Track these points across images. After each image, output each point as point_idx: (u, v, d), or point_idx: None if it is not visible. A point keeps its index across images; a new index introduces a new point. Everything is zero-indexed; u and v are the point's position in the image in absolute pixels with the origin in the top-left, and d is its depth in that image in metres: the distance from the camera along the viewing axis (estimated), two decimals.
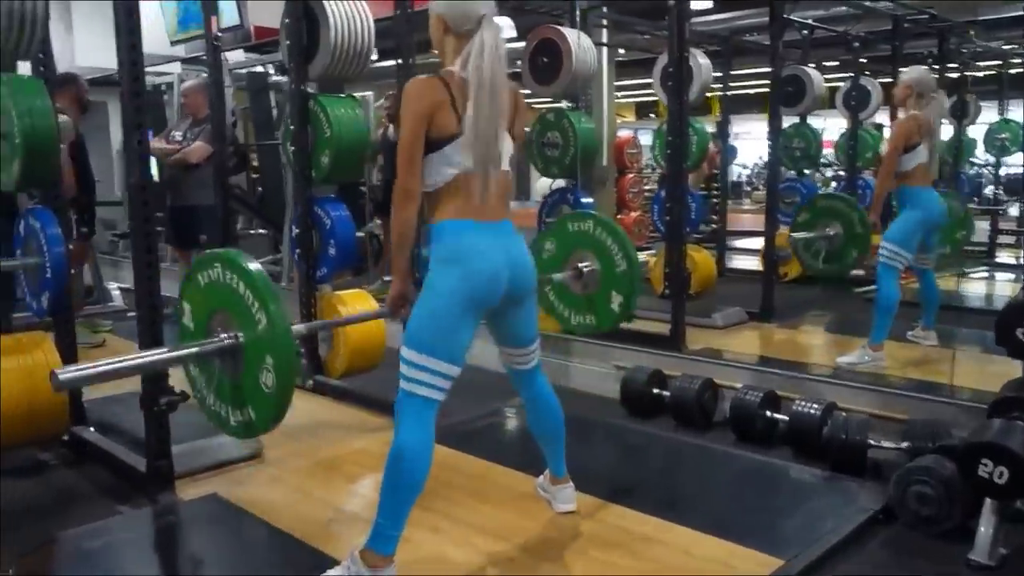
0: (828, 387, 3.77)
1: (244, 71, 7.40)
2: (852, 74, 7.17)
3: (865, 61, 7.40)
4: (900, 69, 5.56)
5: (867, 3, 6.54)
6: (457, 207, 2.20)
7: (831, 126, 9.11)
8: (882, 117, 7.73)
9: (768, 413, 3.46)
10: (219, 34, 4.51)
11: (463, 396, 3.76)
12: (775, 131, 5.50)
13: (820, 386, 3.79)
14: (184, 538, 2.74)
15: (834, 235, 4.33)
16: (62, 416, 3.15)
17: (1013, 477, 2.36)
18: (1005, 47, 8.30)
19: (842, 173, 7.98)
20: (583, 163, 5.08)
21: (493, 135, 2.16)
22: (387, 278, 3.82)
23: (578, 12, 5.13)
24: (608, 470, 3.17)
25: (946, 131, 5.54)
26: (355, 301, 3.94)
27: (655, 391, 3.80)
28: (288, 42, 3.88)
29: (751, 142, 14.44)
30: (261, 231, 8.08)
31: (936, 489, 2.61)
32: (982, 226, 8.05)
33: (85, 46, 7.40)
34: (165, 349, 1.92)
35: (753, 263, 7.06)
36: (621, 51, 9.20)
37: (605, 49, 8.53)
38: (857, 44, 6.95)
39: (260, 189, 7.56)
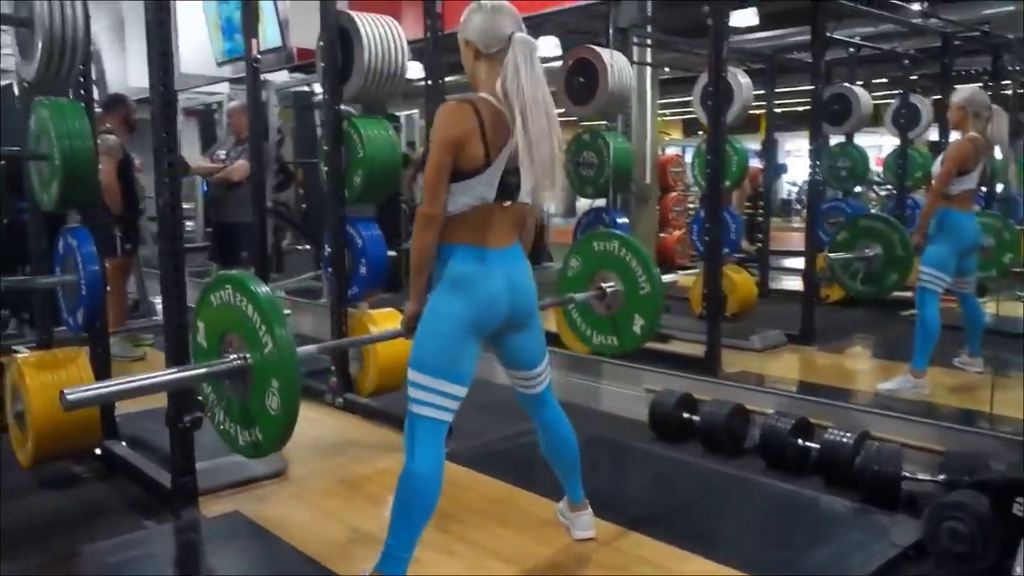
0: (865, 415, 3.66)
1: (291, 90, 7.55)
2: (901, 91, 7.02)
3: (915, 78, 7.24)
4: (954, 87, 5.41)
5: (915, 20, 6.40)
6: (471, 233, 2.20)
7: (888, 144, 8.92)
8: (933, 135, 7.55)
9: (799, 441, 3.38)
10: (258, 56, 4.59)
11: (491, 416, 3.79)
12: (816, 150, 5.41)
13: (856, 414, 3.68)
14: (203, 556, 2.77)
15: (873, 256, 4.19)
16: (94, 431, 3.22)
17: None
18: None
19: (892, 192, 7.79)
20: (618, 183, 5.06)
21: (549, 158, 2.15)
22: None
23: (615, 32, 5.12)
24: (631, 496, 3.13)
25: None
26: (385, 320, 3.96)
27: (684, 415, 3.74)
28: (323, 64, 3.94)
29: (802, 159, 14.17)
30: (308, 247, 8.21)
31: (970, 526, 2.51)
32: None
33: (137, 67, 7.64)
34: (175, 369, 1.94)
35: (798, 284, 6.92)
36: (666, 69, 9.15)
37: (648, 68, 8.51)
38: (907, 62, 6.81)
39: (304, 206, 7.69)
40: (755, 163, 8.85)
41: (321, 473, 3.36)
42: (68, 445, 3.17)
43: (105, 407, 3.36)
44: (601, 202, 5.22)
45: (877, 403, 3.93)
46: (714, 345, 4.55)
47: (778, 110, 10.89)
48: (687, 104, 7.56)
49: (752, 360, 4.99)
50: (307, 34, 5.75)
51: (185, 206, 8.93)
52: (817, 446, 3.30)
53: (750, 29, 7.48)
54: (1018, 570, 2.37)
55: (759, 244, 7.77)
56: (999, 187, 6.47)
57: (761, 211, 7.99)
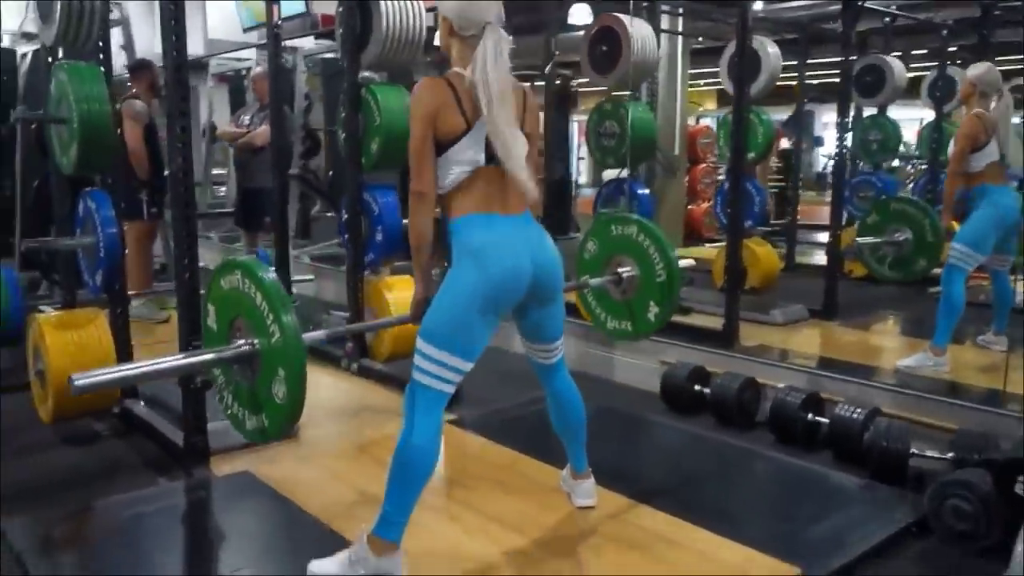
0: (879, 391, 3.64)
1: (319, 57, 7.56)
2: (938, 63, 6.84)
3: (954, 49, 7.05)
4: (994, 58, 5.26)
5: None
6: (475, 203, 2.21)
7: (927, 117, 8.73)
8: None
9: (809, 416, 3.36)
10: (279, 22, 4.60)
11: (503, 384, 3.82)
12: (843, 123, 5.30)
13: (870, 390, 3.65)
14: (210, 513, 2.84)
15: (903, 240, 4.09)
16: (112, 390, 3.29)
17: None
18: None
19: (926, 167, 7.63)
20: (640, 154, 5.01)
21: (509, 134, 2.15)
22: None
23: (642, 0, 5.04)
24: (637, 466, 3.13)
25: None
26: (401, 287, 3.99)
27: (696, 388, 3.73)
28: (341, 30, 3.94)
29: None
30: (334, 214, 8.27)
31: (973, 504, 2.49)
32: None
33: None
34: (184, 355, 1.97)
35: (825, 258, 6.84)
36: (699, 39, 9.01)
37: (679, 37, 8.38)
38: (944, 32, 6.62)
39: (331, 173, 7.72)
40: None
41: (332, 436, 3.42)
42: (87, 403, 3.24)
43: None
44: (624, 172, 5.18)
45: (893, 379, 3.89)
46: (732, 318, 4.52)
47: (814, 81, 10.71)
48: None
49: (772, 334, 4.94)
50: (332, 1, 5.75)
51: (218, 171, 9.11)
52: (827, 421, 3.28)
53: None
54: (1019, 548, 2.34)
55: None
56: None
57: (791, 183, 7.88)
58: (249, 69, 8.07)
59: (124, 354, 3.46)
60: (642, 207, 5.05)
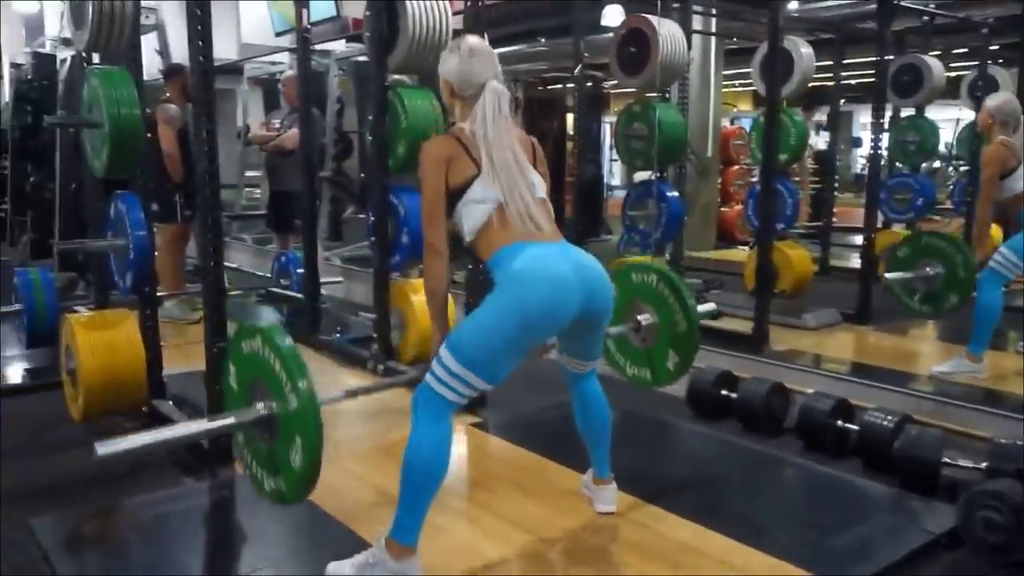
0: (911, 398, 3.57)
1: (351, 60, 7.61)
2: (979, 62, 6.69)
3: (995, 48, 6.89)
4: None
5: None
6: (506, 236, 2.19)
7: (968, 118, 8.55)
8: None
9: (839, 422, 3.29)
10: (309, 26, 4.64)
11: (529, 388, 3.80)
12: (878, 123, 5.22)
13: (902, 397, 3.59)
14: (233, 513, 2.86)
15: (934, 275, 3.99)
16: (140, 390, 3.34)
17: None
18: None
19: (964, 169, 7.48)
20: (670, 156, 4.97)
21: (515, 173, 2.20)
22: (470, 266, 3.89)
23: (673, 0, 5.00)
24: (661, 472, 3.09)
25: None
26: None
27: (723, 392, 3.68)
28: (369, 32, 3.96)
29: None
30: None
31: (1006, 516, 2.42)
32: None
33: None
34: (206, 419, 2.00)
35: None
36: (733, 39, 8.93)
37: (713, 38, 8.32)
38: (985, 30, 6.47)
39: (363, 175, 7.77)
40: (825, 136, 8.61)
41: (356, 438, 3.43)
42: (116, 402, 3.29)
43: (153, 367, 3.47)
44: (648, 175, 5.14)
45: (926, 386, 3.81)
46: (762, 322, 4.47)
47: (852, 81, 10.56)
48: None
49: (803, 339, 4.88)
50: (362, 5, 5.78)
51: (252, 174, 9.22)
52: (857, 428, 3.22)
53: None
54: None
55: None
56: None
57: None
58: (283, 73, 8.19)
59: (153, 355, 3.50)
60: (671, 209, 5.01)
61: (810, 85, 5.88)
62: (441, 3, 3.88)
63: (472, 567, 2.36)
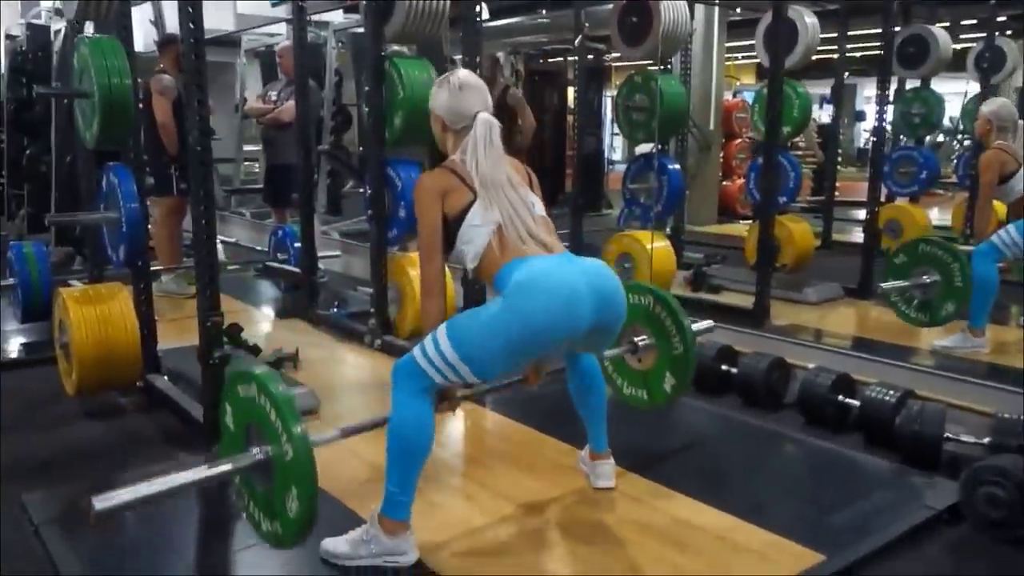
0: (913, 373, 3.53)
1: (349, 31, 7.52)
2: (986, 34, 6.59)
3: (1003, 20, 6.79)
4: None
5: None
6: (510, 254, 2.14)
7: (974, 90, 8.43)
8: (1019, 80, 7.10)
9: (840, 397, 3.26)
10: None
11: None
12: (884, 96, 5.14)
13: (904, 372, 3.55)
14: (226, 489, 2.82)
15: (931, 283, 3.95)
16: (134, 364, 3.30)
17: None
18: None
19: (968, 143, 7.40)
20: (671, 128, 4.90)
21: (512, 192, 2.20)
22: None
23: None
24: (659, 447, 3.07)
25: None
26: None
27: (723, 367, 3.65)
28: (365, 2, 3.89)
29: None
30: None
31: (1009, 491, 2.39)
32: None
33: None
34: (204, 468, 1.96)
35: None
36: (737, 10, 8.81)
37: (716, 8, 8.20)
38: (992, 1, 6.37)
39: (361, 149, 7.70)
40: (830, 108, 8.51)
41: (353, 412, 3.39)
42: (110, 377, 3.26)
43: (147, 341, 3.44)
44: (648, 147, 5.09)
45: (928, 361, 3.78)
46: (763, 297, 4.43)
47: (856, 54, 10.44)
48: None
49: (804, 313, 4.84)
50: None
51: (251, 148, 9.14)
52: (858, 403, 3.19)
53: None
54: None
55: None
56: None
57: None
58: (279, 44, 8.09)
59: (148, 330, 3.46)
60: (672, 183, 4.95)
61: (814, 57, 5.79)
62: None
63: (468, 543, 2.34)
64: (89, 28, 3.58)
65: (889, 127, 6.04)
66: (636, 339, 2.85)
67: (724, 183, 9.07)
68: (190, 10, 2.75)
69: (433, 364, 2.09)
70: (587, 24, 5.25)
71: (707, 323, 3.14)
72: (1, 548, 2.35)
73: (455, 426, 3.25)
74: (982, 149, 6.35)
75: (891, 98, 5.69)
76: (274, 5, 6.25)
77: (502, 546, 2.33)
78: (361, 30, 7.31)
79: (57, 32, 6.21)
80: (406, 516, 2.16)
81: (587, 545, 2.35)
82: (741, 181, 8.44)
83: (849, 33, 6.86)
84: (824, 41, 5.88)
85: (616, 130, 6.76)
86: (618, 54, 6.04)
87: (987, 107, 4.20)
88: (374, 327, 4.12)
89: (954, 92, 9.11)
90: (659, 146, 4.90)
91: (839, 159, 8.11)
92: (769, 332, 4.23)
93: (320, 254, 5.10)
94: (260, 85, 8.67)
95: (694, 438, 3.24)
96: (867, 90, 14.36)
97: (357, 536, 2.21)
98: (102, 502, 1.76)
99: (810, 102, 5.75)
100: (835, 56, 6.91)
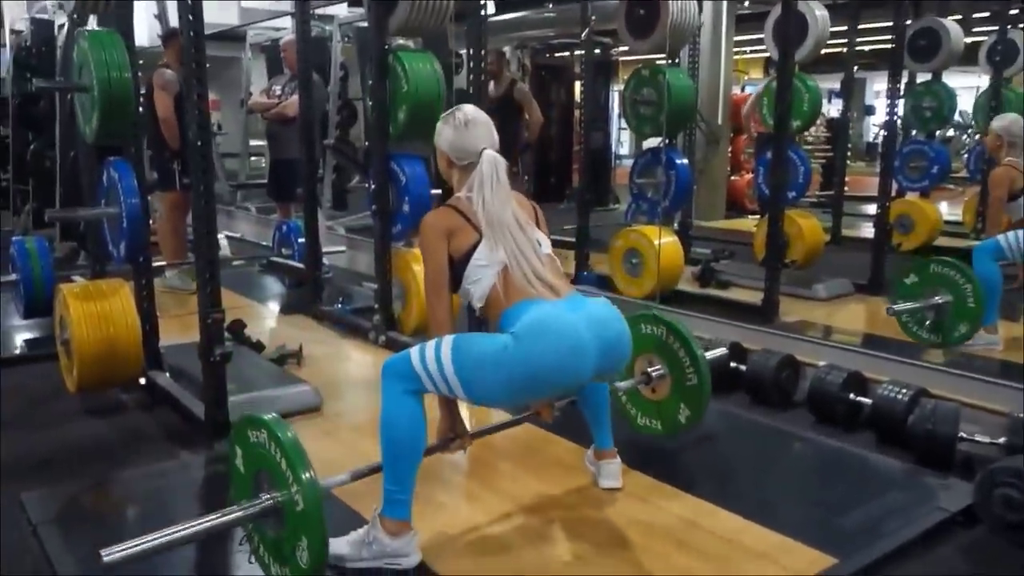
0: (926, 371, 3.48)
1: (355, 25, 7.47)
2: (998, 27, 6.50)
3: (1015, 12, 6.70)
4: None
5: None
6: (516, 295, 2.11)
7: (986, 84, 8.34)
8: None
9: (851, 395, 3.20)
10: None
11: None
12: (895, 89, 5.07)
13: (917, 370, 3.49)
14: (227, 487, 2.79)
15: (942, 303, 3.88)
16: (135, 361, 3.27)
17: None
18: None
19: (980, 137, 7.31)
20: (679, 122, 4.85)
21: (519, 232, 2.17)
22: None
23: None
24: (666, 446, 3.00)
25: None
26: None
27: (731, 365, 3.59)
28: None
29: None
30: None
31: None
32: None
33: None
34: (213, 516, 1.93)
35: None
36: (745, 3, 8.73)
37: (725, 2, 8.13)
38: None
39: (367, 143, 7.65)
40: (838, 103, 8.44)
41: (356, 410, 3.36)
42: (111, 374, 3.23)
43: (149, 338, 3.41)
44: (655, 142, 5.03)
45: (941, 359, 3.71)
46: (772, 293, 4.38)
47: (866, 47, 10.33)
48: None
49: (814, 309, 4.79)
50: None
51: (256, 143, 9.11)
52: (869, 402, 3.13)
53: None
54: None
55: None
56: None
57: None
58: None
59: (149, 325, 3.43)
60: (680, 177, 4.90)
61: (823, 51, 5.72)
62: None
63: (472, 546, 2.29)
64: (92, 22, 3.54)
65: (900, 121, 5.96)
66: (650, 369, 2.81)
67: (732, 178, 9.00)
68: (189, 2, 2.71)
69: (429, 373, 2.05)
70: (594, 18, 5.20)
71: (721, 350, 3.10)
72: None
73: None
74: (992, 162, 6.35)
75: (902, 92, 5.61)
76: None
77: (506, 548, 2.28)
78: (366, 24, 7.29)
79: (61, 26, 6.19)
80: (407, 515, 2.12)
81: (591, 547, 2.30)
82: (749, 176, 8.37)
83: (859, 26, 6.78)
84: (834, 34, 5.81)
85: (624, 125, 6.71)
86: (626, 48, 5.98)
87: (998, 122, 4.18)
88: (378, 323, 4.09)
89: (966, 86, 9.03)
90: (667, 140, 4.84)
91: (848, 154, 8.02)
92: (778, 329, 4.17)
93: (325, 249, 5.06)
94: (266, 79, 8.64)
95: (701, 437, 3.18)
96: (877, 84, 14.26)
97: (359, 537, 2.17)
98: (109, 555, 1.74)
99: (820, 95, 5.68)
100: (845, 49, 6.83)
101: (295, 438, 1.93)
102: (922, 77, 6.53)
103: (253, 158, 9.61)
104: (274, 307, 5.34)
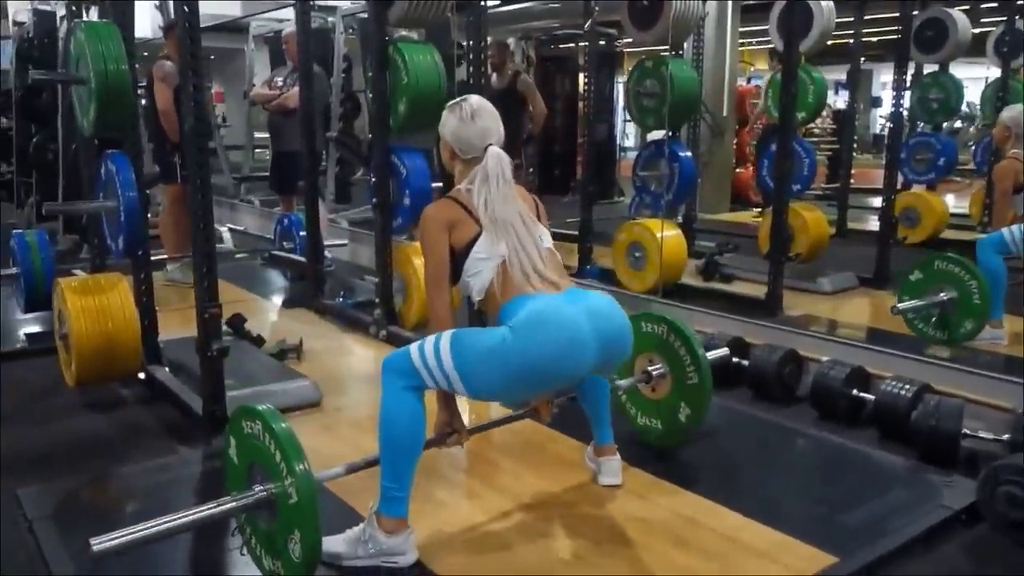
0: (930, 367, 3.44)
1: (358, 17, 7.43)
2: (1006, 17, 6.43)
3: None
4: None
5: None
6: (514, 288, 2.10)
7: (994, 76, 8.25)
8: None
9: (854, 391, 3.17)
10: None
11: None
12: (901, 81, 5.02)
13: (921, 365, 3.46)
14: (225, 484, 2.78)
15: (947, 300, 3.83)
16: (134, 355, 3.25)
17: None
18: None
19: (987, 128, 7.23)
20: (683, 114, 4.81)
21: (521, 226, 2.16)
22: None
23: None
24: None
25: None
26: None
27: (734, 359, 3.56)
28: None
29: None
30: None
31: None
32: None
33: None
34: (205, 507, 1.91)
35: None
36: None
37: None
38: None
39: (371, 136, 7.62)
40: (844, 94, 8.36)
41: (355, 405, 3.34)
42: (110, 368, 3.21)
43: (148, 332, 3.39)
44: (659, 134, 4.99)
45: (946, 354, 3.68)
46: (776, 287, 4.35)
47: (873, 39, 10.25)
48: None
49: (818, 303, 4.75)
50: None
51: (260, 135, 9.09)
52: (873, 397, 3.10)
53: None
54: None
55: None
56: None
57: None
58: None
59: (148, 320, 3.42)
60: (684, 170, 4.86)
61: (829, 42, 5.67)
62: None
63: (470, 543, 2.27)
64: (94, 13, 3.52)
65: (906, 113, 5.91)
66: (650, 368, 2.78)
67: (737, 170, 8.95)
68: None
69: (428, 368, 2.04)
70: (597, 9, 5.16)
71: (723, 351, 3.08)
72: None
73: None
74: (1000, 154, 6.29)
75: (908, 83, 5.56)
76: None
77: (504, 546, 2.26)
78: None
79: (63, 18, 6.16)
80: (403, 513, 2.10)
81: (591, 545, 2.28)
82: (754, 168, 8.32)
83: (865, 17, 6.72)
84: (840, 25, 5.76)
85: (628, 117, 6.67)
86: (630, 39, 5.93)
87: (1007, 113, 4.17)
88: (379, 317, 4.07)
89: (973, 77, 8.94)
90: (670, 133, 4.80)
91: (855, 146, 7.97)
92: (782, 323, 4.14)
93: (327, 243, 5.04)
94: (269, 71, 8.62)
95: (702, 432, 3.15)
96: (883, 76, 14.17)
97: (355, 535, 2.15)
98: (99, 544, 1.72)
99: (825, 87, 5.63)
100: (851, 41, 6.77)
101: (290, 429, 1.91)
102: (929, 68, 6.47)
103: (257, 150, 9.59)
104: (275, 301, 5.32)
